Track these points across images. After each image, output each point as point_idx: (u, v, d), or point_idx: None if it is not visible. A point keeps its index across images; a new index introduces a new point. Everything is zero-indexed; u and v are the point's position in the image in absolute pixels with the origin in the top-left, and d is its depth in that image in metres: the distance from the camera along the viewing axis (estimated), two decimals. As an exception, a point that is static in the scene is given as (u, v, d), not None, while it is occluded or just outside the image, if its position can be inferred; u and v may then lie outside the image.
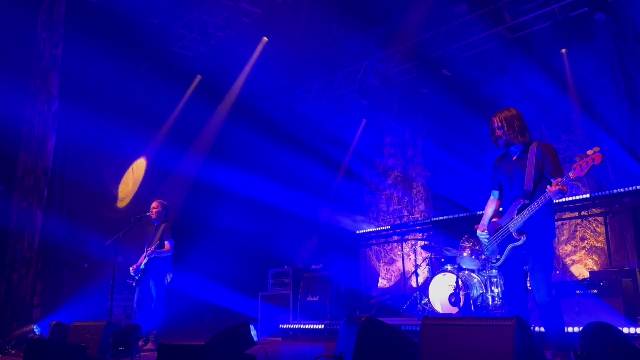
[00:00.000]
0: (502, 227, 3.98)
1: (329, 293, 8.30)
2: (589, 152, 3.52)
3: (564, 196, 3.69)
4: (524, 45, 8.96)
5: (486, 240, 4.12)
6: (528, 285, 4.00)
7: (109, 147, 9.17)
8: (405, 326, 6.43)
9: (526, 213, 3.79)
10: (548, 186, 3.67)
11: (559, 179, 3.62)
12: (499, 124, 3.98)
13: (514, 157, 4.02)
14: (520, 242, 3.82)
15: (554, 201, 3.84)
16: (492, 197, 4.27)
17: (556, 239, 8.44)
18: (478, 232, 4.18)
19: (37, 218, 7.80)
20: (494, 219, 4.13)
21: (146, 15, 8.61)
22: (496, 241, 4.01)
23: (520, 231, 3.83)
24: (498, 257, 3.98)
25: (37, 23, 8.12)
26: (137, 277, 6.65)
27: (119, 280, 7.81)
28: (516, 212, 3.86)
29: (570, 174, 3.57)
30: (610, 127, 8.04)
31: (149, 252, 6.55)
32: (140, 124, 9.46)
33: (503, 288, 7.04)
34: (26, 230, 7.73)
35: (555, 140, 8.74)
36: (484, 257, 4.19)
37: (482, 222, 4.20)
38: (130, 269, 6.73)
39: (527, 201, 3.81)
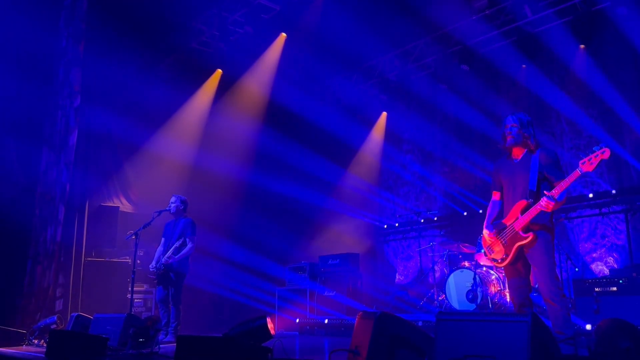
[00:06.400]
0: (507, 227, 4.04)
1: (345, 288, 8.33)
2: (596, 149, 3.66)
3: (563, 196, 3.79)
4: (545, 40, 8.87)
5: (489, 239, 4.18)
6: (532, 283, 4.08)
7: (127, 141, 9.28)
8: (421, 321, 6.43)
9: (532, 212, 3.87)
10: (545, 192, 3.79)
11: (555, 190, 3.76)
12: (513, 122, 4.08)
13: (517, 160, 4.12)
14: (526, 241, 3.89)
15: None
16: (493, 197, 4.36)
17: (576, 237, 8.37)
18: (484, 233, 4.24)
19: (59, 211, 7.95)
20: (500, 220, 4.19)
21: (166, 11, 8.68)
22: (502, 241, 4.04)
23: (526, 230, 3.90)
24: (504, 257, 4.02)
25: (60, 18, 8.25)
26: (159, 273, 6.74)
27: (140, 273, 7.92)
28: (521, 212, 3.94)
29: (582, 168, 3.68)
30: (631, 123, 7.94)
31: (168, 255, 6.64)
32: (156, 119, 9.58)
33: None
34: (49, 224, 7.89)
35: (576, 136, 8.65)
36: (490, 257, 4.21)
37: (485, 222, 4.28)
38: (150, 267, 6.82)
39: (531, 201, 3.89)
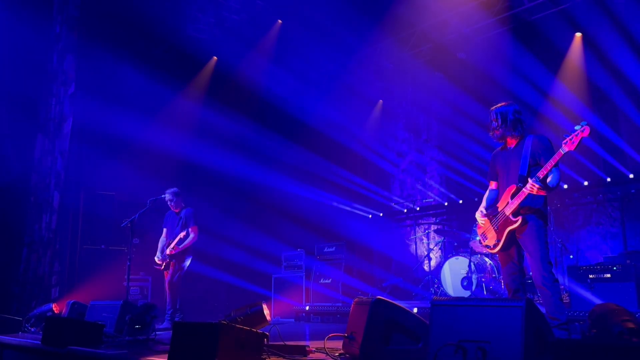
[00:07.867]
0: (499, 212, 4.08)
1: (341, 276, 8.35)
2: (577, 127, 3.65)
3: (555, 182, 3.82)
4: (542, 28, 8.83)
5: (483, 223, 4.23)
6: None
7: (122, 128, 9.23)
8: (416, 308, 6.46)
9: (520, 195, 3.89)
10: (530, 180, 3.81)
11: (540, 173, 3.77)
12: (494, 117, 4.15)
13: (511, 148, 4.15)
14: (516, 225, 3.91)
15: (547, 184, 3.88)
16: (490, 186, 4.41)
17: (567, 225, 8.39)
18: (477, 215, 4.27)
19: (54, 199, 7.93)
20: (496, 206, 4.21)
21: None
22: (495, 227, 4.08)
23: (515, 214, 3.93)
24: (496, 242, 4.06)
25: (54, 4, 8.17)
26: (165, 263, 6.82)
27: (135, 260, 7.91)
28: (511, 196, 3.97)
29: (564, 148, 3.68)
30: (627, 111, 7.94)
31: (172, 246, 6.71)
32: (151, 106, 9.52)
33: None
34: (44, 211, 7.87)
35: (573, 122, 8.64)
36: (484, 244, 4.25)
37: (479, 208, 4.32)
38: (156, 259, 6.89)
39: (520, 185, 3.92)
